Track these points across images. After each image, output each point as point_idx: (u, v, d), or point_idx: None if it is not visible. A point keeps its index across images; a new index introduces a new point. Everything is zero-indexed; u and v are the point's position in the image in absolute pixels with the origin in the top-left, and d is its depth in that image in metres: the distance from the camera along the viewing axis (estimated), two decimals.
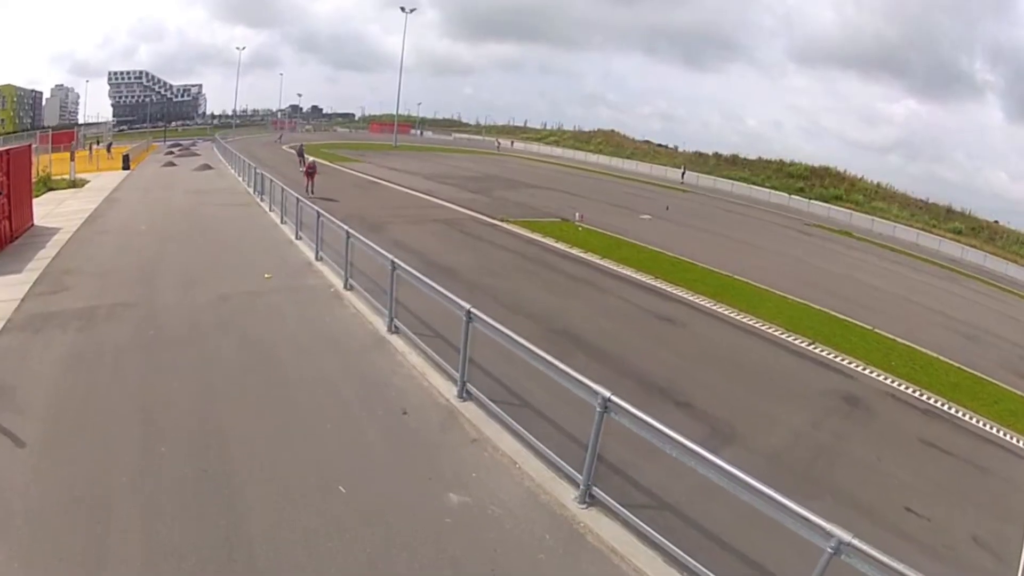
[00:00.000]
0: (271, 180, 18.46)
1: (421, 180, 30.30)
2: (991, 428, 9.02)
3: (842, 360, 10.67)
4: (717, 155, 61.44)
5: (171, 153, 40.76)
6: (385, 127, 79.03)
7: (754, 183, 51.53)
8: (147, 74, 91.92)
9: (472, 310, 6.28)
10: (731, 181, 51.85)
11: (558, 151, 68.91)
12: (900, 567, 3.14)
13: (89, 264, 11.33)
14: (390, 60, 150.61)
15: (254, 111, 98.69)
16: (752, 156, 58.62)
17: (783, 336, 11.48)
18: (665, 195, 36.82)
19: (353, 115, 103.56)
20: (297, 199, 14.30)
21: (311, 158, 25.36)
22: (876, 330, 13.04)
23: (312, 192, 20.69)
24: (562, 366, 5.18)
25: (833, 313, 13.83)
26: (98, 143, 45.34)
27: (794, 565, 4.08)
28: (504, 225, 19.56)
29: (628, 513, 4.74)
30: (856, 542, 3.35)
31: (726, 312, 12.49)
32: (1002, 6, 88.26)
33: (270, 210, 17.79)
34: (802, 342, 11.27)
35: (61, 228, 14.29)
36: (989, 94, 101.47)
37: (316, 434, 5.85)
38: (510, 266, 14.42)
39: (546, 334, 9.54)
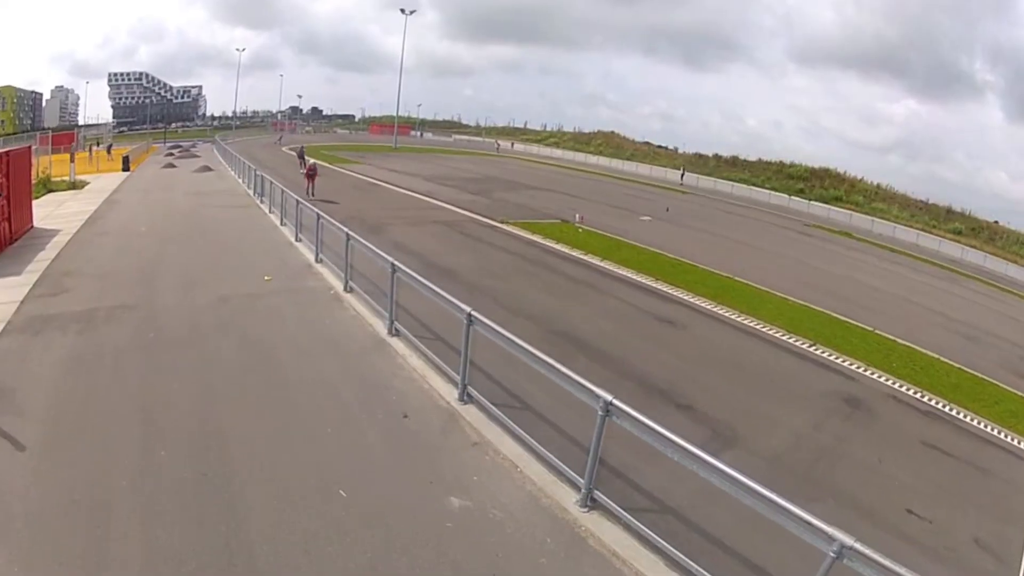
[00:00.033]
0: (271, 182, 18.45)
1: (421, 182, 30.30)
2: (992, 429, 9.00)
3: (843, 361, 10.66)
4: (717, 156, 61.54)
5: (171, 155, 40.79)
6: (385, 128, 79.08)
7: (754, 184, 51.59)
8: (147, 75, 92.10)
9: (473, 313, 6.26)
10: (731, 182, 51.91)
11: (558, 152, 68.97)
12: (903, 571, 3.13)
13: (89, 266, 11.32)
14: (390, 61, 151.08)
15: (254, 112, 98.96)
16: (752, 157, 58.86)
17: (784, 338, 11.47)
18: (665, 196, 36.82)
19: (353, 116, 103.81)
20: (297, 201, 14.29)
21: (312, 160, 25.30)
22: (877, 331, 13.03)
23: (312, 194, 20.68)
24: (564, 369, 5.17)
25: (834, 314, 13.82)
26: (98, 144, 45.38)
27: (796, 569, 4.06)
28: (504, 227, 19.56)
29: (630, 517, 4.72)
30: (858, 546, 3.33)
31: (727, 314, 12.48)
32: (1002, 6, 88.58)
33: (270, 212, 17.79)
34: (803, 343, 11.26)
35: (61, 230, 14.28)
36: (989, 94, 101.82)
37: (316, 437, 5.84)
38: (510, 268, 14.41)
39: (547, 336, 9.53)
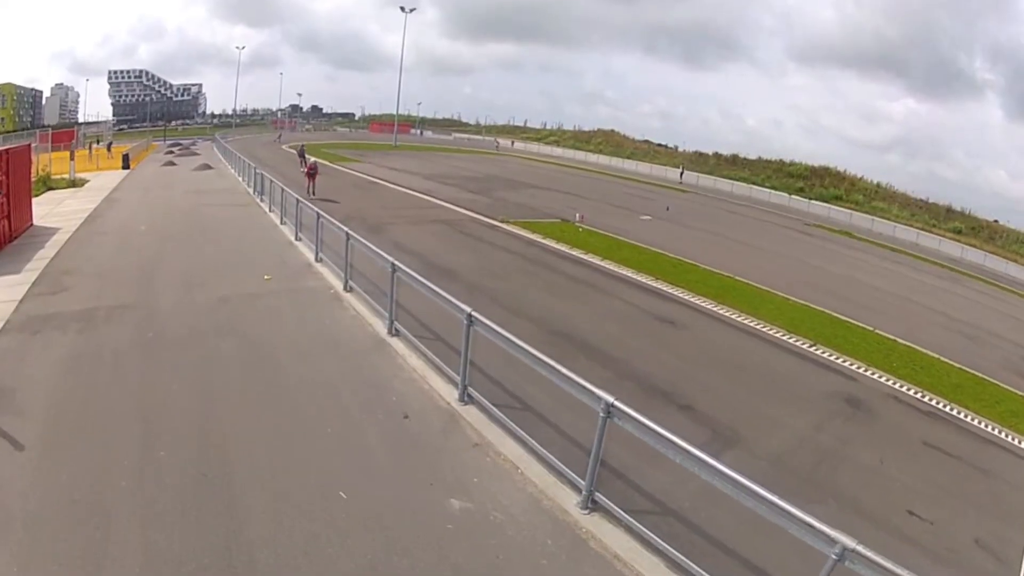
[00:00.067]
0: (271, 180, 18.42)
1: (421, 180, 30.27)
2: (993, 429, 8.99)
3: (844, 362, 10.64)
4: (717, 155, 61.50)
5: (171, 152, 40.76)
6: (385, 127, 78.99)
7: (754, 183, 51.52)
8: (147, 73, 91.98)
9: (473, 313, 6.25)
10: (731, 181, 51.84)
11: (558, 151, 68.90)
12: (904, 573, 3.12)
13: (88, 264, 11.31)
14: (390, 59, 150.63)
15: (254, 110, 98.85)
16: (752, 156, 58.79)
17: (784, 338, 11.45)
18: (665, 195, 36.79)
19: (353, 115, 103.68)
20: (297, 200, 14.26)
21: (312, 159, 25.20)
22: (877, 331, 13.01)
23: (313, 193, 20.61)
24: (565, 371, 5.15)
25: (834, 314, 13.79)
26: (98, 142, 45.37)
27: (798, 572, 4.05)
28: (504, 226, 19.53)
29: (631, 519, 4.71)
30: (861, 548, 3.32)
31: (727, 314, 12.46)
32: (1001, 4, 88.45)
33: (270, 211, 17.76)
34: (803, 344, 11.25)
35: (60, 228, 14.26)
36: (988, 92, 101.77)
37: (316, 438, 5.82)
38: (510, 267, 14.38)
39: (547, 336, 9.52)
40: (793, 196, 48.03)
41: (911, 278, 23.96)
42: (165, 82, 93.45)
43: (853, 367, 10.45)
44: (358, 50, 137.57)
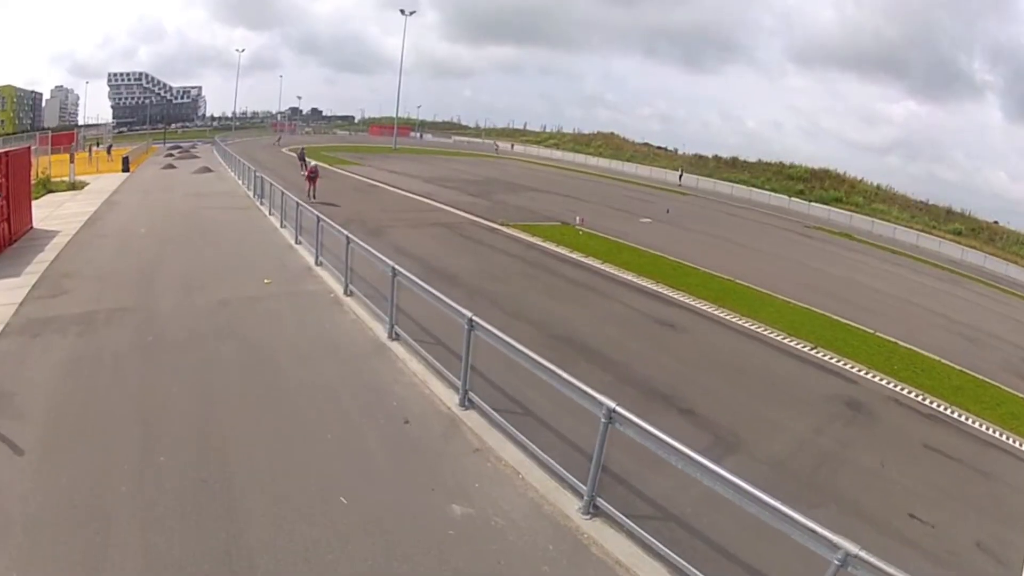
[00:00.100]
0: (271, 183, 18.42)
1: (421, 183, 30.28)
2: (994, 432, 8.97)
3: (844, 364, 10.62)
4: (717, 157, 61.50)
5: (171, 155, 40.79)
6: (385, 130, 79.06)
7: (754, 185, 51.56)
8: (147, 76, 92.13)
9: (474, 318, 6.24)
10: (731, 183, 51.88)
11: (558, 154, 68.98)
12: None
13: (88, 267, 11.31)
14: (390, 62, 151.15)
15: (254, 113, 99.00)
16: (752, 158, 58.83)
17: (785, 341, 11.44)
18: (664, 198, 36.83)
19: (353, 117, 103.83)
20: (297, 203, 14.26)
21: (313, 162, 25.18)
22: (878, 333, 13.01)
23: (314, 197, 20.61)
24: (566, 376, 5.14)
25: (835, 317, 13.79)
26: (98, 145, 45.42)
27: None
28: (504, 229, 19.53)
29: (633, 524, 4.69)
30: (863, 554, 3.32)
31: (728, 317, 12.45)
32: (1001, 5, 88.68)
33: (270, 214, 17.76)
34: (804, 346, 11.24)
35: (60, 231, 14.26)
36: (988, 94, 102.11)
37: (316, 443, 5.80)
38: (511, 271, 14.38)
39: (547, 340, 9.51)
40: (793, 198, 48.07)
41: (911, 280, 23.96)
42: (165, 85, 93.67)
43: (854, 370, 10.44)
44: (358, 53, 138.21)
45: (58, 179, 23.31)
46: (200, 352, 7.74)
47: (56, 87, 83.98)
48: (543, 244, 17.61)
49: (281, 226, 15.85)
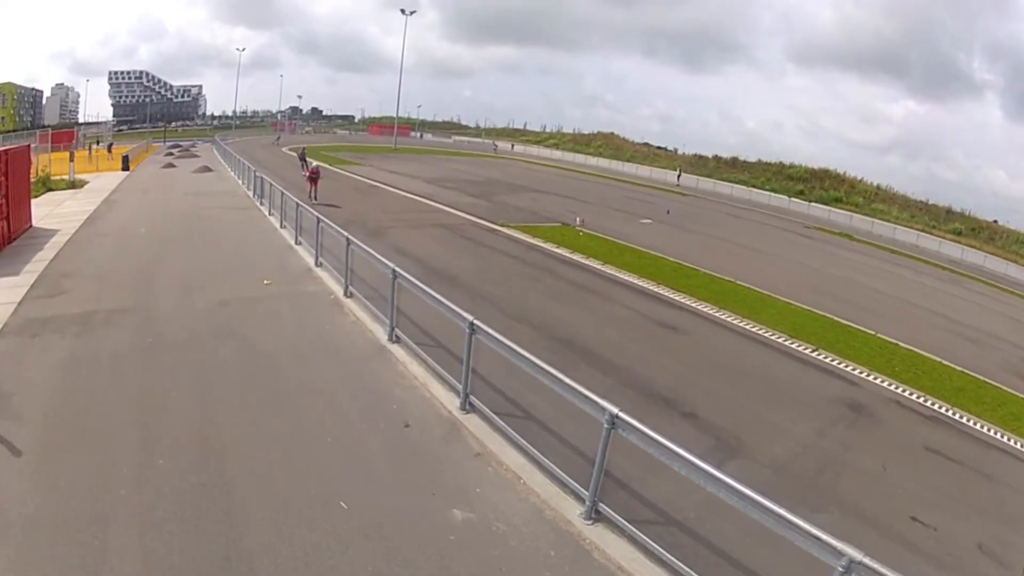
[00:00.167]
0: (271, 184, 18.39)
1: (421, 184, 30.25)
2: (995, 433, 8.94)
3: (846, 366, 10.60)
4: (717, 158, 61.51)
5: (171, 154, 40.73)
6: (385, 129, 79.02)
7: (754, 186, 51.58)
8: (147, 74, 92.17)
9: (475, 322, 6.21)
10: (731, 184, 51.91)
11: (558, 154, 68.96)
12: None
13: (87, 267, 11.28)
14: (390, 62, 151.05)
15: (254, 112, 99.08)
16: (752, 158, 58.86)
17: (786, 342, 11.41)
18: (665, 198, 36.83)
19: (353, 117, 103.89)
20: (297, 204, 14.22)
21: (315, 162, 25.01)
22: (879, 335, 12.99)
23: (315, 198, 20.47)
24: (568, 381, 5.11)
25: (836, 318, 13.77)
26: (98, 143, 45.39)
27: None
28: (505, 230, 19.49)
29: (635, 530, 4.67)
30: (867, 561, 3.30)
31: (729, 319, 12.43)
32: (1000, 4, 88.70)
33: (269, 214, 17.73)
34: (805, 348, 11.21)
35: (60, 230, 14.23)
36: (988, 92, 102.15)
37: (316, 446, 5.77)
38: (511, 272, 14.35)
39: (548, 343, 9.48)
40: (793, 199, 48.10)
41: (912, 280, 23.97)
42: (165, 83, 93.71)
43: (855, 372, 10.42)
44: (358, 52, 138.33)
45: (58, 177, 23.28)
46: (199, 353, 7.71)
47: (57, 85, 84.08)
48: (543, 245, 17.58)
49: (281, 226, 15.82)
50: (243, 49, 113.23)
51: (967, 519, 6.56)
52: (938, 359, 12.07)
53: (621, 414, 4.53)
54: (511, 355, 5.83)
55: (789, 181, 52.86)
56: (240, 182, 25.21)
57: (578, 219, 22.18)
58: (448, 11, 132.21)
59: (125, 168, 29.98)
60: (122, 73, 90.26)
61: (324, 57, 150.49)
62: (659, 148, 70.89)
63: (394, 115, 70.88)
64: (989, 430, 9.01)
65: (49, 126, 61.94)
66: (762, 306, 13.81)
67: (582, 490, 5.04)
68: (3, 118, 71.85)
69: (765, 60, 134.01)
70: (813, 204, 47.13)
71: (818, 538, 3.49)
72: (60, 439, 5.52)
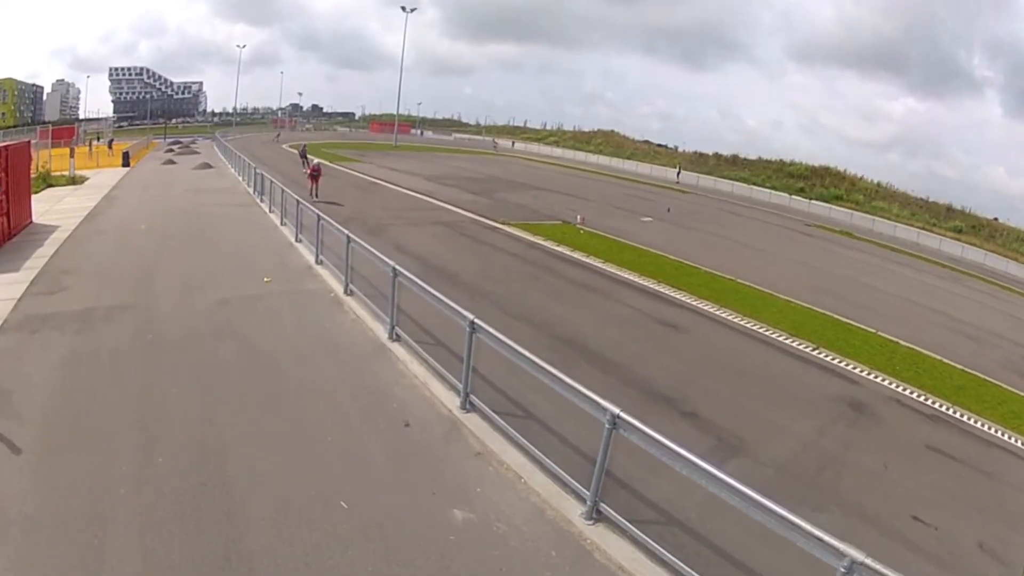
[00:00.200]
0: (271, 181, 18.35)
1: (422, 181, 30.20)
2: (996, 431, 8.94)
3: (846, 365, 10.58)
4: (717, 155, 61.44)
5: (171, 151, 40.70)
6: (385, 127, 78.93)
7: (754, 183, 51.50)
8: (148, 70, 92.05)
9: (476, 321, 6.19)
10: (731, 181, 51.84)
11: (558, 151, 68.84)
12: None
13: (88, 264, 11.27)
14: (390, 59, 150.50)
15: (255, 109, 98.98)
16: (752, 156, 58.76)
17: (787, 341, 11.39)
18: (665, 196, 36.75)
19: (353, 114, 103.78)
20: (297, 201, 14.19)
21: (316, 160, 24.87)
22: (879, 333, 12.98)
23: (316, 196, 20.36)
24: (570, 381, 5.09)
25: (836, 316, 13.76)
26: (98, 139, 45.36)
27: None
28: (505, 228, 19.46)
29: (636, 530, 4.65)
30: (869, 561, 3.29)
31: (730, 317, 12.40)
32: (1000, 1, 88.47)
33: (270, 211, 17.71)
34: (806, 347, 11.20)
35: (60, 226, 14.22)
36: (987, 89, 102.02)
37: (316, 446, 5.76)
38: (511, 270, 14.32)
39: (549, 341, 9.46)
40: (793, 196, 48.03)
41: (912, 278, 23.94)
42: (166, 80, 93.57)
43: (856, 370, 10.40)
44: (358, 49, 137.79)
45: (58, 173, 23.23)
46: (199, 352, 7.69)
47: (57, 81, 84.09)
48: (544, 243, 17.54)
49: (281, 224, 15.79)
50: (244, 46, 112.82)
51: (968, 518, 6.55)
52: (939, 357, 12.06)
53: (622, 414, 4.52)
54: (512, 354, 5.81)
55: (789, 179, 52.79)
56: (240, 179, 25.17)
57: (579, 217, 22.14)
58: (448, 8, 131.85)
59: (125, 164, 29.97)
60: (123, 69, 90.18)
61: (325, 54, 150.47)
62: (659, 146, 70.78)
63: (395, 112, 70.88)
64: (990, 428, 9.00)
65: (50, 122, 61.84)
66: (763, 304, 13.79)
67: (583, 490, 5.02)
68: (3, 114, 71.86)
69: (765, 58, 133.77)
70: (813, 202, 47.08)
71: (820, 539, 3.48)
72: (60, 437, 5.51)
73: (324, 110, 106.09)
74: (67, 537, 4.27)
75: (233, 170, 28.33)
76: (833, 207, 45.81)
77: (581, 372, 7.78)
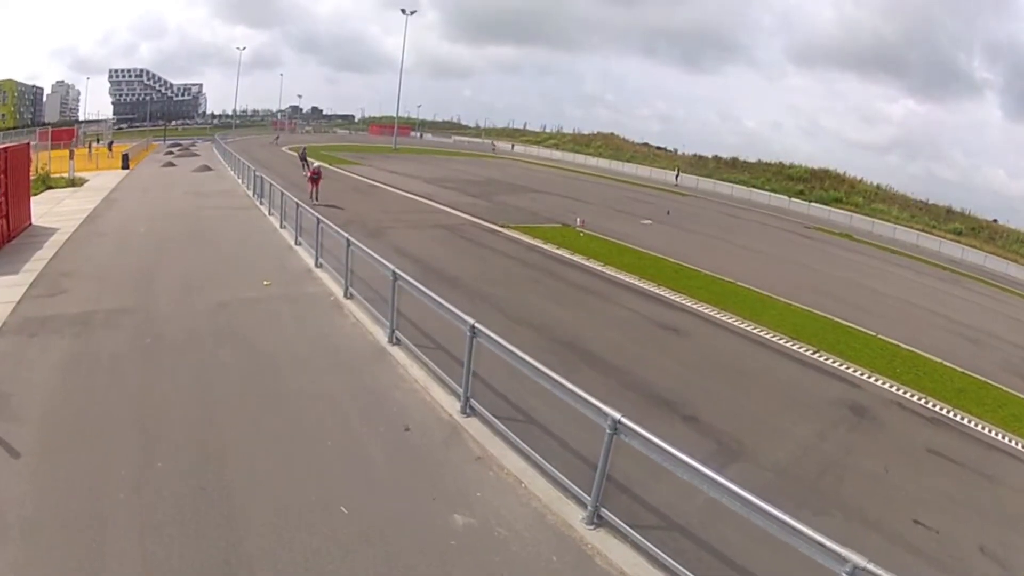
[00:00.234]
0: (271, 183, 18.35)
1: (421, 184, 30.21)
2: (996, 434, 8.93)
3: (847, 368, 10.58)
4: (717, 158, 61.46)
5: (171, 153, 40.69)
6: (385, 129, 78.95)
7: (754, 186, 51.53)
8: (148, 72, 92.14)
9: (476, 325, 6.17)
10: (731, 184, 51.87)
11: (557, 154, 68.90)
12: None
13: (87, 266, 11.26)
14: (390, 61, 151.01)
15: (254, 111, 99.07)
16: (752, 158, 58.80)
17: (787, 344, 11.39)
18: (664, 199, 36.81)
19: (353, 116, 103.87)
20: (297, 204, 14.18)
21: (316, 163, 24.82)
22: (880, 336, 12.98)
23: (316, 199, 20.34)
24: (571, 386, 5.08)
25: (837, 319, 13.75)
26: (98, 141, 45.35)
27: None
28: (505, 231, 19.46)
29: (637, 535, 4.64)
30: (871, 567, 3.29)
31: (730, 320, 12.40)
32: (1000, 3, 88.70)
33: (269, 214, 17.70)
34: (806, 350, 11.19)
35: (59, 228, 14.21)
36: (987, 92, 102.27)
37: (316, 450, 5.74)
38: (512, 273, 14.32)
39: (549, 344, 9.46)
40: (793, 199, 48.07)
41: (912, 280, 23.95)
42: (166, 81, 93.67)
43: (856, 373, 10.39)
44: (358, 52, 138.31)
45: (58, 175, 23.22)
46: (199, 355, 7.68)
47: (57, 82, 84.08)
48: (544, 246, 17.54)
49: (281, 227, 15.78)
50: (243, 48, 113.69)
51: (969, 521, 6.54)
52: (939, 360, 12.06)
53: (624, 419, 4.51)
54: (512, 358, 5.80)
55: (789, 181, 52.82)
56: (240, 181, 25.17)
57: (578, 220, 22.15)
58: (448, 11, 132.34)
59: (125, 166, 29.94)
60: (123, 71, 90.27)
61: (324, 56, 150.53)
62: (659, 148, 70.88)
63: (394, 115, 70.86)
64: (990, 431, 8.99)
65: (49, 124, 61.98)
66: (763, 307, 13.79)
67: (584, 495, 5.01)
68: (3, 115, 71.85)
69: (765, 60, 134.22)
70: (813, 204, 47.09)
71: (822, 544, 3.47)
72: (59, 440, 5.50)
73: (324, 112, 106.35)
74: (66, 540, 4.26)
75: (233, 172, 28.32)
76: (833, 209, 45.82)
77: (582, 376, 7.77)
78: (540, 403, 6.64)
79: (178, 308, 9.34)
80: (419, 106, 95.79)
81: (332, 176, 28.98)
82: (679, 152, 67.76)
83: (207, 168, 30.23)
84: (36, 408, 6.02)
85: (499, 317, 10.22)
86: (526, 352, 5.74)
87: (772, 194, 49.19)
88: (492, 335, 6.05)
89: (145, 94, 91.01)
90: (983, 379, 11.42)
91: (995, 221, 47.16)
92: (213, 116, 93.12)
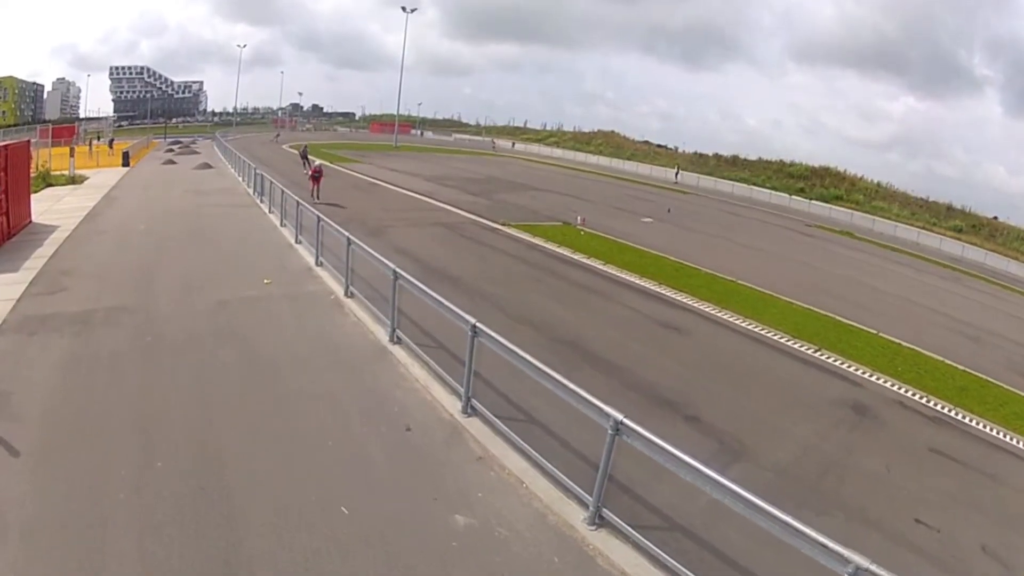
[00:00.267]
0: (271, 181, 18.32)
1: (422, 182, 30.17)
2: (998, 433, 8.90)
3: (848, 367, 10.55)
4: (717, 156, 61.41)
5: (171, 151, 40.69)
6: (385, 127, 78.92)
7: (754, 184, 51.48)
8: (148, 70, 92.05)
9: (478, 325, 6.15)
10: (731, 182, 51.82)
11: (558, 152, 68.81)
12: None
13: (87, 264, 11.25)
14: (391, 59, 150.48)
15: (255, 109, 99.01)
16: (752, 156, 58.73)
17: (789, 343, 11.36)
18: (665, 197, 36.74)
19: (353, 114, 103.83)
20: (297, 202, 14.15)
21: (317, 161, 24.72)
22: (881, 334, 12.95)
23: (317, 198, 20.26)
24: (573, 386, 5.06)
25: (838, 317, 13.72)
26: (98, 138, 45.35)
27: None
28: (505, 229, 19.43)
29: (639, 535, 4.63)
30: (874, 567, 3.28)
31: (731, 319, 12.37)
32: (1000, 0, 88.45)
33: (270, 212, 17.68)
34: (808, 349, 11.16)
35: (59, 226, 14.20)
36: (987, 88, 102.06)
37: (316, 449, 5.73)
38: (512, 272, 14.29)
39: (550, 343, 9.44)
40: (794, 197, 48.02)
41: (913, 278, 23.93)
42: (166, 79, 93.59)
43: (858, 372, 10.37)
44: (359, 49, 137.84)
45: (58, 173, 23.21)
46: (199, 354, 7.66)
47: (58, 79, 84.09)
48: (544, 245, 17.51)
49: (281, 225, 15.76)
50: (244, 46, 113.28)
51: (970, 521, 6.52)
52: (941, 358, 12.04)
53: (626, 420, 4.49)
54: (513, 358, 5.78)
55: (789, 179, 52.76)
56: (240, 179, 25.14)
57: (579, 218, 22.11)
58: (449, 8, 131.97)
59: (125, 164, 29.95)
60: (123, 68, 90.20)
61: (325, 54, 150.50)
62: (659, 146, 70.73)
63: (395, 113, 70.90)
64: (992, 430, 8.97)
65: (50, 121, 61.85)
66: (764, 306, 13.76)
67: (585, 495, 4.99)
68: (4, 112, 71.85)
69: (765, 58, 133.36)
70: (814, 202, 47.06)
71: (824, 545, 3.46)
72: (59, 440, 5.48)
73: (324, 110, 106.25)
74: (66, 540, 4.25)
75: (233, 170, 28.30)
76: (833, 207, 45.80)
77: (583, 375, 7.76)
78: (541, 403, 6.62)
79: (178, 306, 9.32)
80: (420, 104, 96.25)
81: (333, 174, 28.93)
82: (679, 150, 67.69)
83: (207, 166, 30.22)
84: (36, 407, 6.01)
85: (500, 316, 10.20)
86: (527, 351, 5.71)
87: (773, 192, 49.18)
88: (493, 334, 6.03)
89: (146, 91, 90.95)
90: (985, 377, 11.39)
91: (995, 218, 47.08)
92: (214, 114, 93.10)
